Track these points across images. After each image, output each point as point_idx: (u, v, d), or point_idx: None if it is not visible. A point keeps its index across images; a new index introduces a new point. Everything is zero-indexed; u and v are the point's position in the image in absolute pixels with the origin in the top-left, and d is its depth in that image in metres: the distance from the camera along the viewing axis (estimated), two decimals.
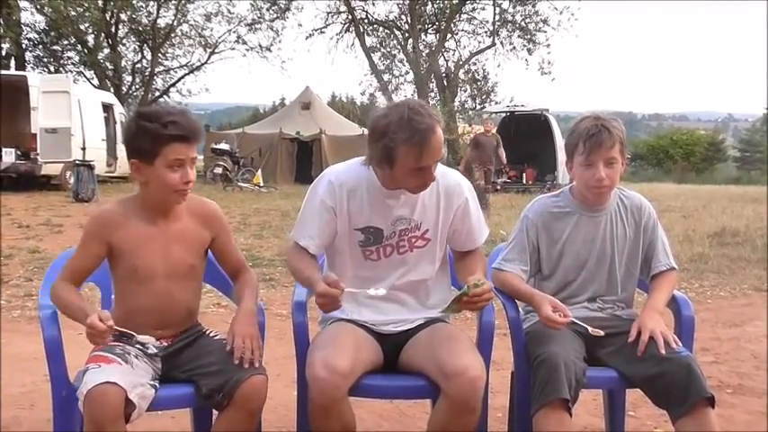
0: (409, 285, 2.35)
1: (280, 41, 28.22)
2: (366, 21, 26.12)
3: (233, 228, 8.13)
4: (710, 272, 6.99)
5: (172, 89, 27.81)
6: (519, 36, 24.86)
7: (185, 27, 26.81)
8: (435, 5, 25.66)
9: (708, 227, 9.92)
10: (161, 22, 26.10)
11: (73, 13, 23.24)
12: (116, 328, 1.96)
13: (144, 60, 26.95)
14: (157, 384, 2.06)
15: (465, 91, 25.75)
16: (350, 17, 25.49)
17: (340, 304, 2.08)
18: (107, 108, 17.81)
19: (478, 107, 25.34)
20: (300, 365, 2.25)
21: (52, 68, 25.33)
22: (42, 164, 14.59)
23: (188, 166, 2.10)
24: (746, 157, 49.02)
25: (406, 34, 25.50)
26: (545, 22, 24.46)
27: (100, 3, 23.75)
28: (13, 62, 24.11)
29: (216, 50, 27.42)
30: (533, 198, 2.60)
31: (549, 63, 25.03)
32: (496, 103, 24.55)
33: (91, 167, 13.45)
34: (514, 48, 25.04)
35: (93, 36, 25.59)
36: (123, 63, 26.48)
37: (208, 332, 2.29)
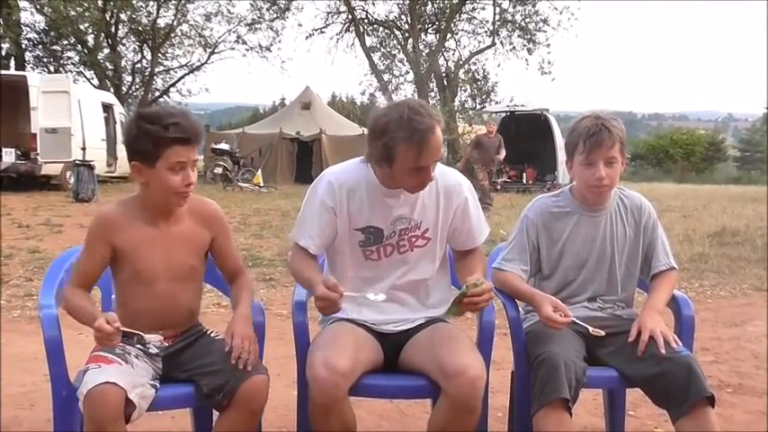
0: (410, 285, 2.35)
1: (280, 41, 28.26)
2: (366, 21, 26.11)
3: (233, 228, 8.12)
4: (710, 271, 6.99)
5: (172, 89, 27.83)
6: (519, 36, 24.87)
7: (185, 27, 26.83)
8: (435, 5, 25.66)
9: (708, 226, 9.91)
10: (161, 22, 26.13)
11: (73, 13, 23.23)
12: (123, 329, 1.96)
13: (144, 60, 26.96)
14: (158, 384, 2.06)
15: (465, 91, 25.75)
16: (350, 17, 25.48)
17: (339, 308, 2.08)
18: (107, 108, 17.81)
19: (478, 107, 25.32)
20: (301, 365, 2.25)
21: (52, 68, 25.32)
22: (42, 164, 14.60)
23: (189, 168, 2.09)
24: (746, 156, 49.01)
25: (406, 34, 25.49)
26: (545, 21, 24.47)
27: (100, 3, 23.75)
28: (12, 62, 24.11)
29: (216, 50, 27.44)
30: (533, 198, 2.60)
31: (549, 63, 25.05)
32: (496, 102, 24.54)
33: (91, 167, 13.45)
34: (514, 47, 25.06)
35: (92, 36, 25.58)
36: (123, 63, 26.48)
37: (208, 332, 2.29)
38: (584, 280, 2.45)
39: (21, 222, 9.36)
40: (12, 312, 4.90)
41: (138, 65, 27.03)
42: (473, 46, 25.90)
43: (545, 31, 24.66)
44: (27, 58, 25.12)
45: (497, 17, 24.78)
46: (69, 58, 26.45)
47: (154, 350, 2.15)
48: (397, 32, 26.16)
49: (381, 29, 26.38)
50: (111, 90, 23.36)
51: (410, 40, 25.18)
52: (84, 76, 25.63)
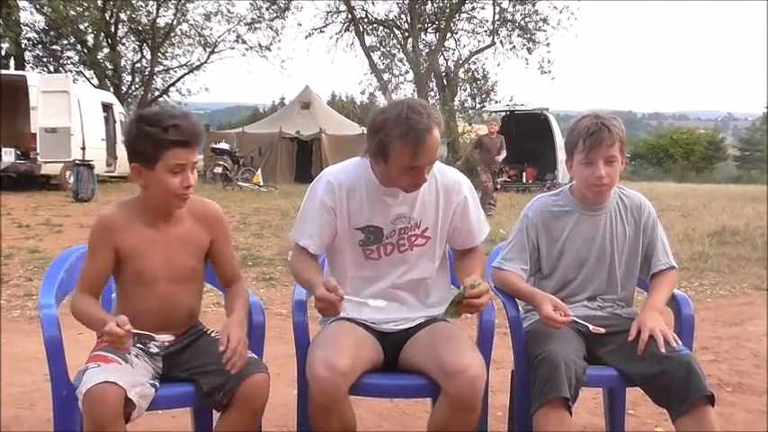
0: (410, 284, 2.36)
1: (279, 41, 28.24)
2: (366, 20, 26.07)
3: (233, 227, 8.13)
4: (710, 271, 6.99)
5: (171, 89, 27.78)
6: (519, 35, 24.82)
7: (185, 26, 26.78)
8: (435, 5, 25.62)
9: (708, 226, 9.91)
10: (160, 22, 26.08)
11: (72, 12, 23.20)
12: (134, 331, 1.96)
13: (143, 60, 26.92)
14: (157, 384, 2.06)
15: (465, 90, 25.70)
16: (349, 16, 25.45)
17: (339, 311, 2.09)
18: (107, 108, 17.80)
19: (478, 106, 25.28)
20: (301, 364, 2.25)
21: (52, 68, 25.30)
22: (42, 163, 14.58)
23: (189, 170, 2.08)
24: (746, 156, 49.00)
25: (406, 33, 25.46)
26: (545, 21, 24.42)
27: (99, 2, 23.72)
28: (12, 62, 24.09)
29: (215, 50, 27.39)
30: (533, 197, 2.60)
31: (549, 62, 24.98)
32: (496, 102, 24.50)
33: (90, 167, 13.44)
34: (514, 47, 25.00)
35: (92, 36, 25.54)
36: (123, 63, 26.44)
37: (208, 332, 2.29)
38: (584, 279, 2.45)
39: (20, 222, 9.36)
40: (12, 312, 4.90)
41: (138, 64, 27.02)
42: (473, 45, 25.89)
43: (545, 31, 24.63)
44: (27, 58, 25.11)
45: (497, 16, 24.76)
46: (69, 57, 26.44)
47: (154, 349, 2.15)
48: (396, 32, 26.13)
49: (381, 28, 26.35)
50: (111, 90, 23.33)
51: (410, 40, 25.14)
52: (84, 76, 25.62)
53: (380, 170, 2.23)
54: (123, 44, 26.62)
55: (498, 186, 12.93)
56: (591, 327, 2.24)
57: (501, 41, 25.02)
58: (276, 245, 7.85)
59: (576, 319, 2.25)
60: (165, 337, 2.08)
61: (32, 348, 3.65)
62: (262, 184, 17.90)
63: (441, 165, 2.40)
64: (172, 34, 26.42)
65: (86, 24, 24.45)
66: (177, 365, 2.15)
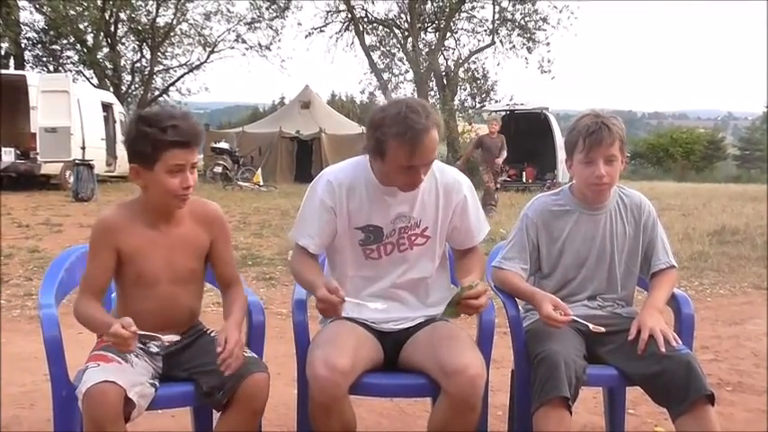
0: (410, 283, 2.36)
1: (279, 40, 28.13)
2: (365, 19, 26.04)
3: (233, 227, 8.13)
4: (710, 270, 6.99)
5: (171, 88, 27.75)
6: (518, 35, 24.78)
7: (185, 26, 26.76)
8: (435, 4, 25.59)
9: (708, 225, 9.91)
10: (160, 21, 26.05)
11: (72, 12, 23.19)
12: (140, 332, 1.95)
13: (143, 59, 26.90)
14: (157, 383, 2.06)
15: (465, 89, 25.66)
16: (349, 16, 25.42)
17: (340, 312, 2.09)
18: (106, 107, 17.80)
19: (478, 106, 25.25)
20: (301, 364, 2.25)
21: (51, 68, 25.28)
22: (42, 163, 14.59)
23: (188, 170, 2.08)
24: (746, 155, 48.98)
25: (406, 33, 25.43)
26: (545, 20, 24.38)
27: (99, 2, 23.70)
28: (12, 61, 24.08)
29: (215, 49, 27.36)
30: (533, 197, 2.60)
31: (549, 61, 24.94)
32: (496, 101, 24.47)
33: (90, 167, 13.44)
34: (514, 46, 24.96)
35: (92, 35, 25.52)
36: (122, 62, 26.43)
37: (208, 331, 2.28)
38: (584, 278, 2.45)
39: (20, 222, 9.36)
40: (12, 312, 4.90)
41: (138, 64, 27.00)
42: (473, 45, 25.85)
43: (545, 30, 24.59)
44: (26, 58, 25.09)
45: (497, 16, 24.72)
46: (69, 57, 26.42)
47: (154, 349, 2.15)
48: (396, 31, 26.11)
49: (381, 27, 26.32)
50: (111, 89, 23.32)
51: (410, 39, 25.12)
52: (84, 76, 25.60)
53: (378, 168, 2.24)
54: (123, 44, 26.62)
55: (498, 186, 12.83)
56: (591, 326, 2.25)
57: (501, 41, 25.00)
58: (276, 244, 7.85)
59: (576, 318, 2.25)
60: (171, 338, 2.07)
61: (32, 348, 3.65)
62: (262, 183, 17.90)
63: (441, 164, 2.40)
64: (172, 34, 26.40)
65: (86, 24, 24.44)
66: (177, 365, 2.15)
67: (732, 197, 15.75)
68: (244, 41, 27.31)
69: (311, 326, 2.35)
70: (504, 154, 12.08)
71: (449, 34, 25.54)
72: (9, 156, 14.56)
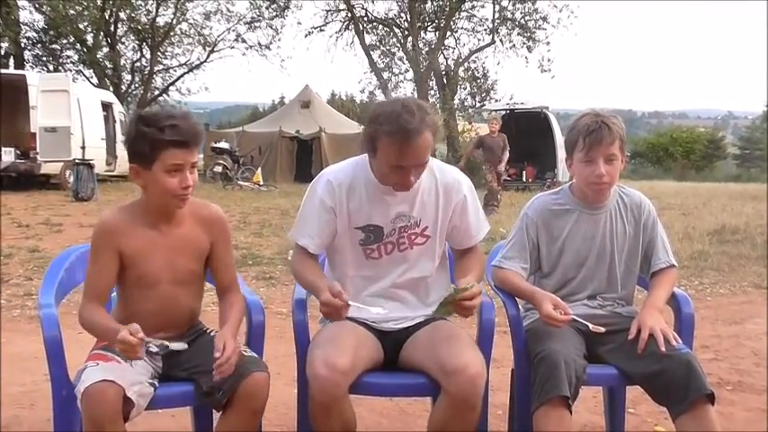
0: (410, 283, 2.35)
1: (279, 40, 27.98)
2: (365, 19, 26.02)
3: (233, 226, 8.13)
4: (710, 269, 6.99)
5: (171, 88, 27.72)
6: (519, 34, 24.75)
7: (184, 26, 26.73)
8: (435, 3, 25.56)
9: (708, 224, 9.90)
10: (160, 21, 26.03)
11: (72, 11, 23.17)
12: (148, 339, 1.95)
13: (143, 59, 26.88)
14: (156, 383, 2.06)
15: (465, 89, 25.62)
16: (349, 15, 25.40)
17: (344, 316, 2.09)
18: (106, 107, 17.79)
19: (478, 105, 25.22)
20: (301, 364, 2.25)
21: (51, 67, 25.27)
22: (42, 163, 14.58)
23: (187, 170, 2.07)
24: (746, 154, 48.99)
25: (406, 32, 25.41)
26: (545, 19, 24.36)
27: (99, 1, 23.68)
28: (12, 61, 24.08)
29: (215, 49, 27.33)
30: (533, 196, 2.60)
31: (549, 61, 24.92)
32: (496, 100, 24.45)
33: (90, 166, 13.44)
34: (514, 45, 24.93)
35: (92, 35, 25.50)
36: (122, 62, 26.41)
37: (208, 331, 2.28)
38: (584, 278, 2.45)
39: (20, 222, 9.36)
40: (12, 312, 4.90)
41: (138, 63, 26.98)
42: (473, 44, 25.83)
43: (545, 29, 24.56)
44: (26, 57, 25.08)
45: (497, 15, 24.71)
46: (68, 56, 26.40)
47: (154, 349, 2.14)
48: (396, 30, 26.09)
49: (381, 27, 26.31)
50: (111, 89, 23.31)
51: (410, 38, 25.10)
52: (84, 75, 25.59)
53: (374, 165, 2.24)
54: (123, 43, 26.60)
55: (502, 187, 12.68)
56: (591, 326, 2.24)
57: (501, 40, 24.98)
58: (276, 244, 7.85)
59: (576, 317, 2.25)
60: (178, 346, 2.06)
61: (32, 348, 3.65)
62: (262, 183, 17.89)
63: (441, 163, 2.41)
64: (171, 33, 26.39)
65: (86, 23, 24.43)
66: (177, 365, 2.15)
67: (732, 196, 15.74)
68: (244, 41, 27.32)
69: (311, 325, 2.35)
70: (507, 154, 12.02)
71: (449, 33, 25.53)
72: (9, 155, 14.55)
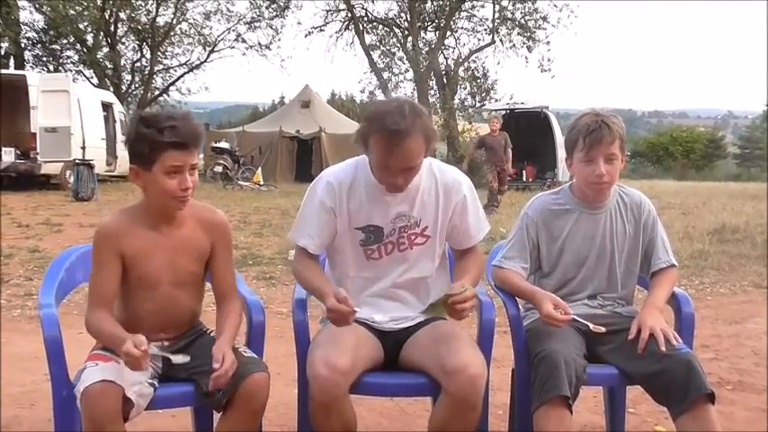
0: (410, 283, 2.35)
1: (279, 40, 28.01)
2: (365, 19, 26.03)
3: (233, 226, 8.12)
4: (710, 269, 6.98)
5: (171, 88, 27.73)
6: (519, 33, 24.76)
7: (184, 25, 26.75)
8: (435, 3, 25.57)
9: (708, 224, 9.90)
10: (160, 21, 26.05)
11: (72, 11, 23.18)
12: (152, 352, 1.94)
13: (143, 59, 26.89)
14: (156, 383, 2.06)
15: (465, 89, 25.62)
16: (349, 15, 25.40)
17: (350, 322, 2.09)
18: (106, 107, 17.80)
19: (478, 105, 25.22)
20: (301, 364, 2.25)
21: (51, 67, 25.28)
22: (42, 163, 14.58)
23: (186, 172, 2.06)
24: (746, 154, 48.95)
25: (406, 32, 25.41)
26: (545, 19, 24.37)
27: (99, 1, 23.69)
28: (12, 61, 24.08)
29: (215, 49, 27.34)
30: (533, 196, 2.60)
31: (549, 60, 24.93)
32: (496, 100, 24.44)
33: (90, 166, 13.44)
34: (514, 45, 24.94)
35: (92, 35, 25.51)
36: (122, 62, 26.42)
37: (208, 331, 2.28)
38: (584, 277, 2.44)
39: (20, 222, 9.36)
40: (12, 312, 4.90)
41: (138, 63, 26.99)
42: (473, 44, 25.83)
43: (545, 29, 24.57)
44: (26, 58, 25.09)
45: (497, 15, 24.71)
46: (69, 57, 26.42)
47: (154, 350, 2.14)
48: (396, 30, 26.09)
49: (381, 27, 26.31)
50: (111, 89, 23.32)
51: (410, 38, 25.11)
52: (84, 75, 25.60)
53: (371, 163, 2.24)
54: (123, 43, 26.62)
55: (505, 187, 12.55)
56: (591, 326, 2.24)
57: (501, 40, 24.99)
58: (276, 244, 7.85)
59: (576, 317, 2.25)
60: (181, 359, 2.06)
61: (32, 348, 3.65)
62: (262, 183, 17.90)
63: (441, 163, 2.41)
64: (171, 33, 26.40)
65: (86, 23, 24.44)
66: (177, 365, 2.15)
67: (732, 196, 15.74)
68: (244, 41, 27.33)
69: (311, 325, 2.35)
70: (510, 152, 11.96)
71: (449, 33, 25.54)
72: (9, 156, 14.55)
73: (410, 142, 2.10)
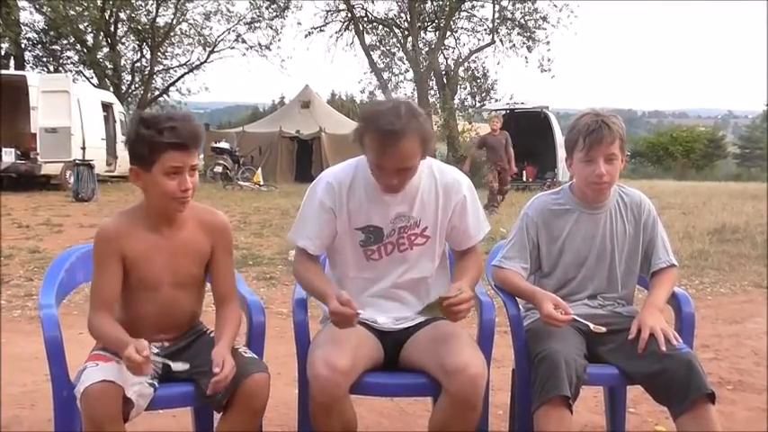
0: (410, 283, 2.35)
1: (279, 40, 28.10)
2: (365, 19, 26.03)
3: (233, 226, 8.13)
4: (710, 269, 6.98)
5: (171, 88, 27.74)
6: (518, 33, 24.76)
7: (184, 26, 26.77)
8: (435, 3, 25.58)
9: (708, 224, 9.90)
10: (160, 21, 26.06)
11: (72, 12, 23.20)
12: (153, 359, 1.95)
13: (143, 59, 26.91)
14: (156, 383, 2.06)
15: (465, 89, 25.61)
16: (349, 15, 25.41)
17: (354, 324, 2.09)
18: (107, 107, 17.80)
19: (478, 105, 25.22)
20: (301, 364, 2.25)
21: (51, 68, 25.29)
22: (42, 163, 14.59)
23: (186, 173, 2.06)
24: (746, 153, 48.95)
25: (406, 32, 25.42)
26: (544, 19, 24.37)
27: (99, 2, 23.71)
28: (12, 62, 24.09)
29: (215, 49, 27.36)
30: (533, 195, 2.60)
31: (549, 60, 24.93)
32: (496, 100, 24.43)
33: (91, 167, 13.44)
34: (514, 45, 24.94)
35: (92, 35, 25.52)
36: (123, 62, 26.43)
37: (208, 332, 2.28)
38: (584, 277, 2.44)
39: (21, 222, 9.36)
40: (12, 312, 4.90)
41: (138, 64, 27.01)
42: (473, 44, 25.83)
43: (545, 29, 24.57)
44: (26, 58, 25.10)
45: (497, 15, 24.71)
46: (69, 57, 26.43)
47: (154, 350, 2.14)
48: (396, 30, 26.10)
49: (381, 27, 26.32)
50: (111, 89, 23.32)
51: (410, 39, 25.11)
52: (84, 76, 25.60)
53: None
54: (123, 44, 26.63)
55: (508, 187, 12.49)
56: (592, 326, 2.24)
57: (501, 40, 24.99)
58: (276, 244, 7.85)
59: (576, 317, 2.25)
60: (180, 366, 2.05)
61: (33, 348, 3.65)
62: (262, 183, 17.90)
63: (440, 164, 2.41)
64: (171, 34, 26.41)
65: (86, 24, 24.45)
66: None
67: (732, 195, 15.74)
68: (244, 41, 27.35)
69: (312, 325, 2.35)
70: (512, 151, 11.92)
71: (449, 33, 25.54)
72: (9, 156, 14.56)
73: (404, 143, 2.09)
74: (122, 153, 15.74)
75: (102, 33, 25.23)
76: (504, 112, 21.29)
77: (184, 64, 27.57)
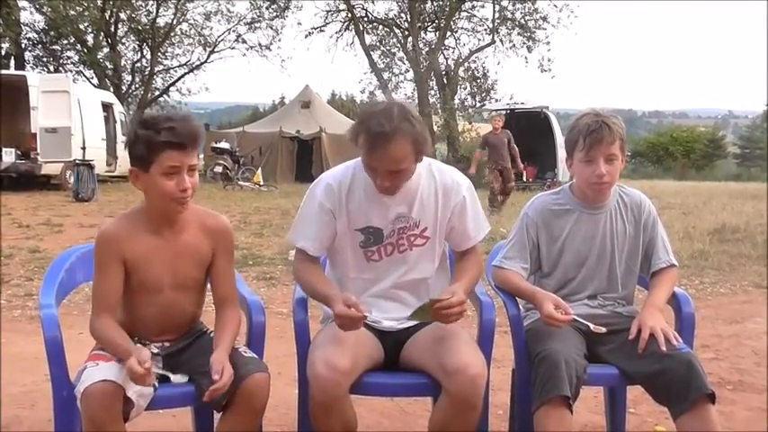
0: (410, 284, 2.35)
1: (279, 40, 28.20)
2: (365, 19, 26.04)
3: (233, 226, 8.14)
4: (711, 269, 6.98)
5: (171, 88, 27.77)
6: (519, 34, 24.76)
7: (185, 26, 26.80)
8: (435, 3, 25.59)
9: (708, 224, 9.90)
10: (160, 21, 26.09)
11: (72, 12, 23.21)
12: (155, 371, 1.95)
13: (143, 59, 26.93)
14: (156, 383, 2.06)
15: (465, 89, 25.61)
16: (349, 15, 25.42)
17: (360, 327, 2.09)
18: (107, 107, 17.78)
19: (478, 105, 25.23)
20: (301, 364, 2.25)
21: (52, 68, 25.31)
22: (42, 163, 14.60)
23: (184, 173, 2.05)
24: (746, 153, 48.96)
25: (406, 32, 25.42)
26: (545, 19, 24.37)
27: (99, 2, 23.73)
28: (12, 62, 24.10)
29: (215, 49, 27.39)
30: (533, 196, 2.60)
31: (549, 60, 24.94)
32: (496, 100, 24.44)
33: (91, 167, 13.45)
34: (514, 45, 24.95)
35: (92, 35, 25.54)
36: (123, 62, 26.45)
37: (208, 332, 2.28)
38: (585, 277, 2.44)
39: (21, 222, 9.36)
40: (12, 312, 4.91)
41: (138, 64, 27.03)
42: (473, 44, 25.84)
43: (545, 29, 24.58)
44: (27, 58, 25.12)
45: (497, 15, 24.71)
46: (69, 57, 26.46)
47: (154, 350, 2.15)
48: (396, 31, 26.10)
49: (381, 27, 26.32)
50: (111, 89, 23.33)
51: (410, 39, 25.11)
52: (84, 76, 25.61)
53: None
54: (123, 44, 26.65)
55: (513, 186, 12.41)
56: (592, 326, 2.24)
57: (501, 40, 24.99)
58: (276, 244, 7.86)
59: (576, 317, 2.25)
60: (180, 379, 2.06)
61: (33, 348, 3.65)
62: (262, 183, 17.91)
63: (440, 164, 2.40)
64: (172, 34, 26.43)
65: (86, 24, 24.46)
66: (177, 365, 2.15)
67: (732, 195, 15.74)
68: (244, 41, 27.38)
69: (312, 325, 2.35)
70: (516, 149, 11.86)
71: (449, 33, 25.55)
72: (9, 156, 14.58)
73: (394, 145, 2.09)
74: (122, 153, 15.73)
75: (102, 33, 25.25)
76: (504, 112, 21.30)
77: (185, 64, 27.61)
